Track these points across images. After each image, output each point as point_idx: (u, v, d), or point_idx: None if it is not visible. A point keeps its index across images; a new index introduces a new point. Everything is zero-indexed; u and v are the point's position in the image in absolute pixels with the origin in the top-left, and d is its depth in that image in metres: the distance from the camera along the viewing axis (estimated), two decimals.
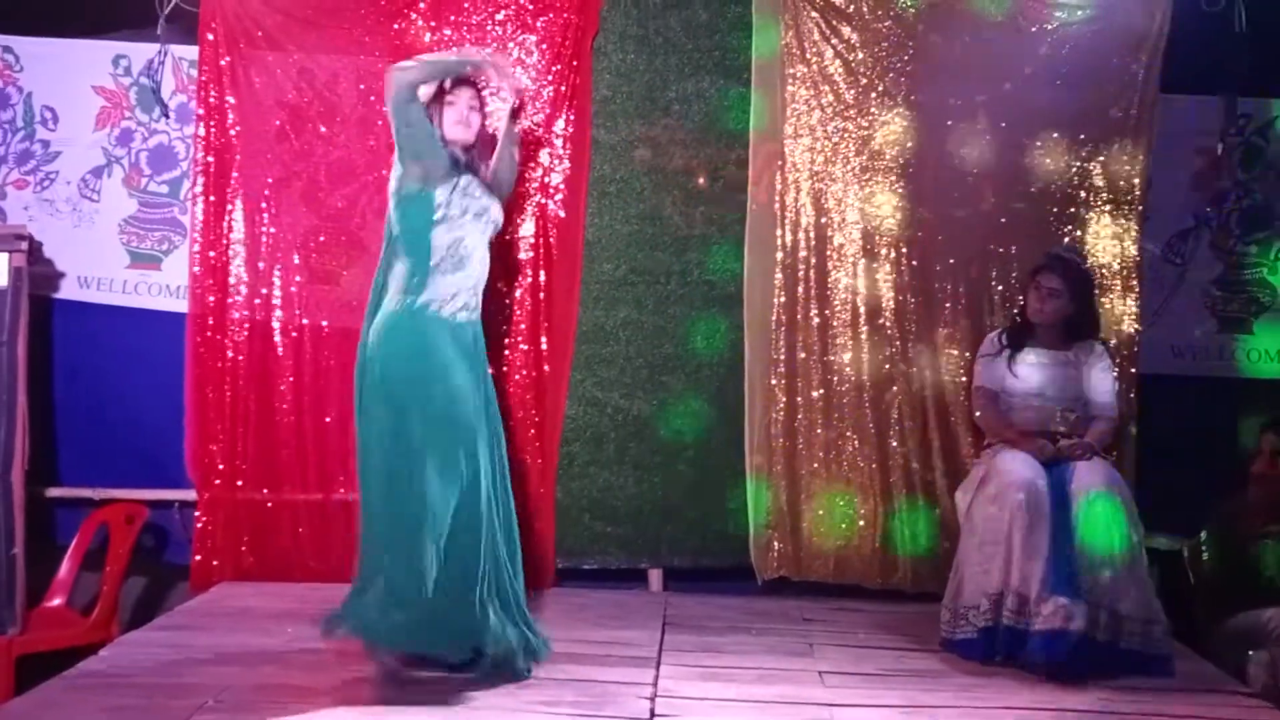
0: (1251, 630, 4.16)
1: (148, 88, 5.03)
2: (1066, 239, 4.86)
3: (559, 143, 4.94)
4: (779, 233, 4.95)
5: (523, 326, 4.94)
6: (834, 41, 4.92)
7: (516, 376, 4.92)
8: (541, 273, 4.93)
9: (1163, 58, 4.84)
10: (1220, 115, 5.05)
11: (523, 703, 3.55)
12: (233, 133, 4.90)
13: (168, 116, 5.06)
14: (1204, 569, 4.62)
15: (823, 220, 4.96)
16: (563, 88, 4.92)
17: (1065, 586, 3.92)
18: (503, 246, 4.92)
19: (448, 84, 3.92)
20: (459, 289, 3.81)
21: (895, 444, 4.89)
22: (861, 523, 4.91)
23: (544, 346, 4.95)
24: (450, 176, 3.85)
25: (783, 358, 4.94)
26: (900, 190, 4.92)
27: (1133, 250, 4.89)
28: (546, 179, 4.94)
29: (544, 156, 4.93)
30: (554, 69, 4.92)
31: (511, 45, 4.92)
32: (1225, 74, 4.98)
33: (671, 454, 5.03)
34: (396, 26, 4.92)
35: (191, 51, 4.95)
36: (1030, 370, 4.39)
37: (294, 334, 4.93)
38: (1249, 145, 5.10)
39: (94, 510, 4.83)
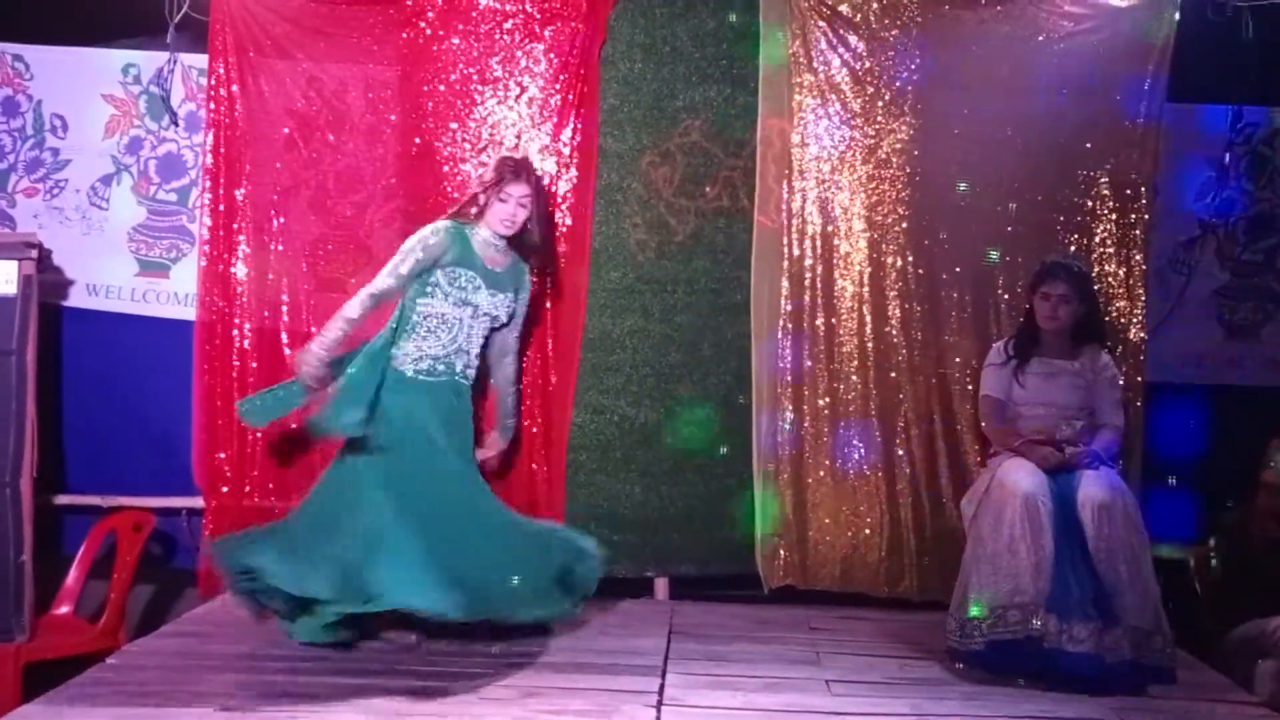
0: (1258, 638, 4.16)
1: (157, 96, 5.05)
2: (1073, 248, 4.86)
3: (566, 151, 4.94)
4: (786, 241, 4.95)
5: (529, 335, 4.94)
6: (841, 50, 4.93)
7: (523, 384, 4.92)
8: (548, 280, 4.94)
9: (1170, 67, 4.83)
10: (1227, 124, 5.06)
11: (529, 711, 3.57)
12: (241, 141, 4.91)
13: (177, 125, 5.08)
14: (1211, 577, 4.62)
15: (829, 229, 4.96)
16: (570, 96, 4.93)
17: (1071, 600, 3.92)
18: None
19: (507, 176, 4.29)
20: (424, 354, 4.22)
21: (901, 452, 4.90)
22: (868, 531, 4.91)
23: (551, 354, 4.96)
24: (460, 263, 4.24)
25: (789, 366, 4.94)
26: (907, 199, 4.92)
27: (1139, 259, 4.89)
28: (554, 187, 4.94)
29: (551, 165, 4.94)
30: (561, 78, 4.93)
31: (519, 54, 4.93)
32: (1232, 83, 4.99)
33: (678, 462, 5.03)
34: (405, 35, 4.93)
35: (201, 60, 4.97)
36: (1037, 380, 4.40)
37: (302, 341, 4.91)
38: (1256, 154, 5.11)
39: (102, 518, 4.84)
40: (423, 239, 4.24)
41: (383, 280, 4.22)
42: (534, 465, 4.93)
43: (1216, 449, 4.97)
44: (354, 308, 4.18)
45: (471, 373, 4.36)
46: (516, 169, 4.34)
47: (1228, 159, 5.07)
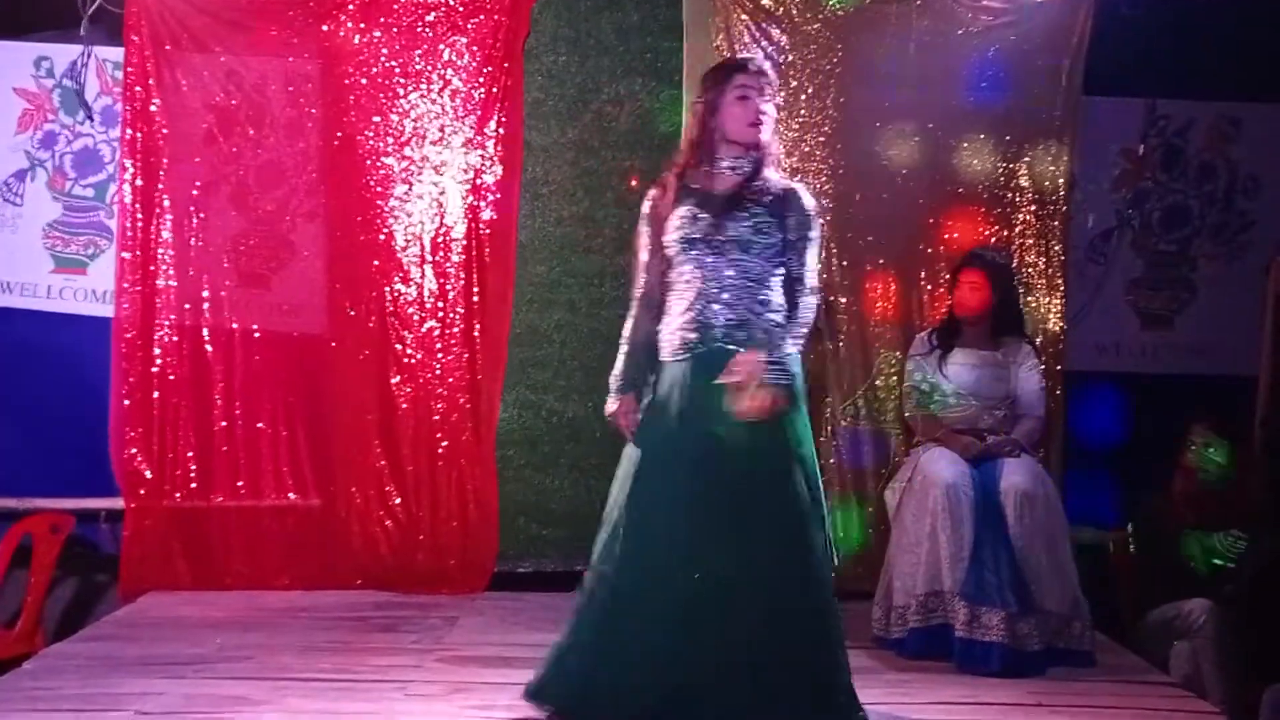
0: (1174, 621, 4.23)
1: (71, 90, 4.95)
2: (993, 239, 4.93)
3: (490, 144, 4.91)
4: None
5: (456, 330, 4.91)
6: (764, 44, 4.95)
7: (450, 380, 4.89)
8: (474, 275, 4.91)
9: (1085, 60, 4.92)
10: (1141, 117, 5.15)
11: (457, 707, 3.54)
12: (159, 135, 4.83)
13: (92, 119, 4.98)
14: (1129, 562, 4.71)
15: None
16: (494, 89, 4.89)
17: (986, 589, 3.98)
18: (435, 249, 4.91)
19: (739, 76, 3.30)
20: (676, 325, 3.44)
21: (824, 438, 4.93)
22: None
23: (478, 349, 4.92)
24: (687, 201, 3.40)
25: None
26: (830, 191, 4.95)
27: (1058, 249, 4.97)
28: (478, 181, 4.91)
29: (475, 159, 4.91)
30: (485, 71, 4.89)
31: (442, 47, 4.90)
32: (1146, 76, 5.08)
33: (607, 456, 4.96)
34: (325, 28, 4.87)
35: (116, 53, 4.87)
36: (959, 370, 4.44)
37: (224, 338, 4.87)
38: (1169, 146, 5.20)
39: (16, 521, 4.74)
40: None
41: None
42: (463, 461, 4.90)
43: (1134, 436, 5.06)
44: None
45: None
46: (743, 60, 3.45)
47: (1143, 151, 5.16)
